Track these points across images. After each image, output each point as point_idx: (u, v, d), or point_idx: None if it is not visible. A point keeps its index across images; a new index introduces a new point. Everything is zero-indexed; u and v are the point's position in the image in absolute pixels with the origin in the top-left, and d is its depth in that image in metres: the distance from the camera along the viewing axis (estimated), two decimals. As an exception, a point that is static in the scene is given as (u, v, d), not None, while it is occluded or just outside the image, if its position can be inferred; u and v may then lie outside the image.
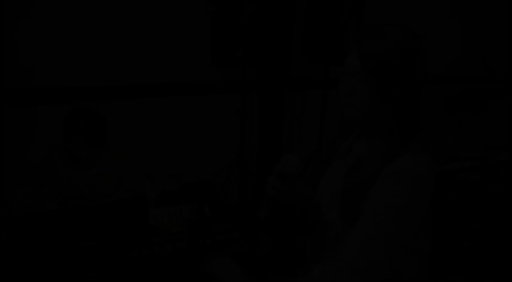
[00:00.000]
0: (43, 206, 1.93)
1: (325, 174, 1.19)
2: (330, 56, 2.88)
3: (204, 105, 3.07)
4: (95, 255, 1.52)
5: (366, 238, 0.92)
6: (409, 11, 3.36)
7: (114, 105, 2.72)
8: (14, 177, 2.55)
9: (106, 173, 2.05)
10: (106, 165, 2.05)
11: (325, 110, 3.16)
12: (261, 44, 2.70)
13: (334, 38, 2.82)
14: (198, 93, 3.03)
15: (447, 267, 2.44)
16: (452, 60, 3.95)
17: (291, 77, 3.25)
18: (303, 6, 3.00)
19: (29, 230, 1.43)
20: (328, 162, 1.19)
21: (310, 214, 1.22)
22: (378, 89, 0.94)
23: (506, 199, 2.65)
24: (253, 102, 3.22)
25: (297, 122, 3.43)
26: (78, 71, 2.63)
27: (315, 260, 1.09)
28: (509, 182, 2.58)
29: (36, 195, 1.98)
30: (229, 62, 2.73)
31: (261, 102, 3.24)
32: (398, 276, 1.04)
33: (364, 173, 0.99)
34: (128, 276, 1.75)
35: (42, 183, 2.00)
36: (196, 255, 1.81)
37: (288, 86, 3.25)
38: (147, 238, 1.68)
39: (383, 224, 0.92)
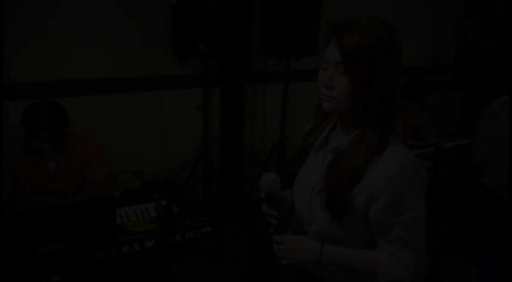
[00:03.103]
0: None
1: (302, 169, 1.19)
2: (291, 48, 2.90)
3: (165, 99, 3.00)
4: (60, 258, 1.46)
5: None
6: (365, 5, 3.45)
7: (72, 100, 2.59)
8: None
9: (67, 167, 1.99)
10: (67, 160, 2.00)
11: (286, 102, 3.20)
12: (223, 37, 2.67)
13: (296, 30, 2.85)
14: (159, 88, 2.95)
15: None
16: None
17: (253, 71, 3.25)
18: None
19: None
20: (304, 156, 1.20)
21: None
22: (358, 80, 0.97)
23: (458, 185, 2.82)
24: (215, 96, 3.20)
25: (259, 115, 3.44)
26: (36, 66, 2.49)
27: None
28: (459, 167, 2.75)
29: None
30: (190, 55, 2.68)
31: (222, 96, 3.22)
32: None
33: (350, 166, 1.01)
34: (96, 279, 1.69)
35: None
36: (166, 253, 1.77)
37: (250, 80, 3.25)
38: (115, 238, 1.63)
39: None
